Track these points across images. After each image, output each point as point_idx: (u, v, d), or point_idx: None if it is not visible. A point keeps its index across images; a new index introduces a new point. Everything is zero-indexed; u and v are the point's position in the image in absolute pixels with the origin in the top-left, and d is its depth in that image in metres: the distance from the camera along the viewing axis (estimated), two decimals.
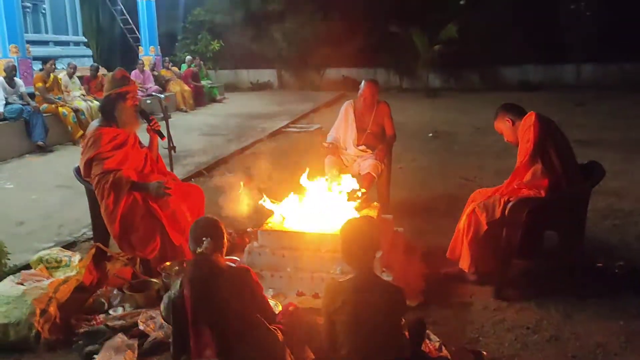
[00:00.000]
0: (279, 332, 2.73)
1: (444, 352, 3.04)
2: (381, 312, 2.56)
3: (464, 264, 3.92)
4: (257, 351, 2.59)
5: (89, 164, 3.97)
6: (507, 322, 3.44)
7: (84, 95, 10.88)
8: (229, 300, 2.62)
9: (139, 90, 12.53)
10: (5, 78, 9.36)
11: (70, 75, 10.96)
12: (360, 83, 5.43)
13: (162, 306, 2.93)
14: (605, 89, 16.03)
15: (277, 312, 3.15)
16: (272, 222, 4.10)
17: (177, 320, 2.66)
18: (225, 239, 2.81)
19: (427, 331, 3.11)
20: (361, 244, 2.66)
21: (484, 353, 3.03)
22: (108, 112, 4.07)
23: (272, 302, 3.19)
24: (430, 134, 10.24)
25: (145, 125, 4.36)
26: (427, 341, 3.08)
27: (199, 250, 2.70)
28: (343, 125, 5.44)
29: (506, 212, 3.73)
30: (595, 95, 14.76)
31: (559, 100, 13.80)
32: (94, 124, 4.14)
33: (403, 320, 2.92)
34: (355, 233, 2.69)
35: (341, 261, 3.53)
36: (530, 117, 3.86)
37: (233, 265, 2.95)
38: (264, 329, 2.68)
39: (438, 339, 3.14)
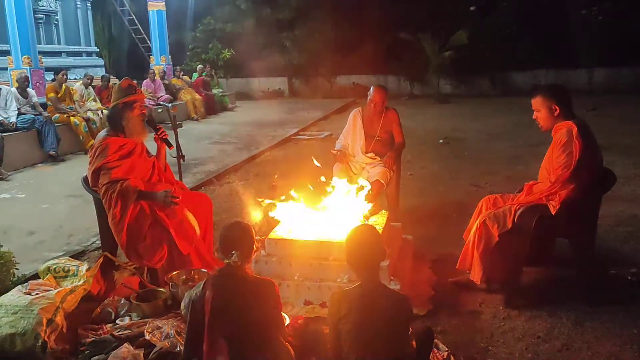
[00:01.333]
0: (290, 348, 2.72)
1: None
2: (387, 320, 2.53)
3: (476, 276, 3.85)
4: None
5: (96, 173, 3.97)
6: (517, 331, 3.39)
7: (97, 107, 10.96)
8: (249, 310, 2.61)
9: (149, 99, 12.72)
10: (17, 89, 9.46)
11: (87, 86, 11.06)
12: (370, 90, 5.42)
13: (182, 304, 3.02)
14: (617, 93, 15.90)
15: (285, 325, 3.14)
16: (279, 231, 4.08)
17: (193, 321, 2.66)
18: (255, 246, 2.78)
19: (436, 340, 3.07)
20: (366, 253, 2.64)
21: None
22: (115, 122, 4.08)
23: None
24: (441, 140, 10.20)
25: (153, 135, 4.36)
26: (435, 350, 3.04)
27: (226, 261, 2.67)
28: (351, 132, 5.43)
29: (516, 218, 3.68)
30: (607, 100, 14.63)
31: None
32: (102, 133, 4.15)
33: (410, 329, 2.90)
34: (360, 241, 2.68)
35: (348, 270, 3.51)
36: (571, 129, 3.63)
37: (259, 276, 2.92)
38: (278, 343, 2.66)
39: (447, 349, 3.10)
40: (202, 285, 2.67)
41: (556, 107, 3.73)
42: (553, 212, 3.61)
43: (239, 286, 2.65)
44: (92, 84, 11.41)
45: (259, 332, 2.60)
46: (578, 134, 3.59)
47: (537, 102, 3.84)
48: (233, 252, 2.64)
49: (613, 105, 13.90)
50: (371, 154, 5.36)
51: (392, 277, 3.68)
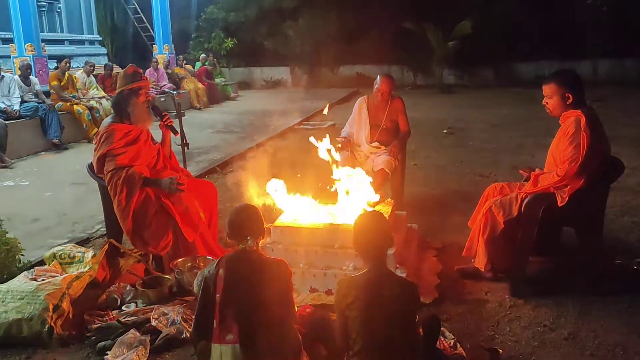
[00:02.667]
0: (298, 332, 2.72)
1: (459, 349, 3.00)
2: (394, 307, 2.52)
3: (480, 263, 3.86)
4: (278, 345, 2.58)
5: (101, 160, 3.96)
6: (523, 320, 3.38)
7: (101, 95, 10.93)
8: (260, 289, 2.61)
9: (152, 88, 12.68)
10: (20, 76, 9.45)
11: (89, 73, 11.03)
12: (374, 80, 5.39)
13: (195, 282, 3.01)
14: (622, 84, 15.81)
15: None
16: (285, 219, 4.07)
17: (204, 300, 2.65)
18: (264, 225, 2.79)
19: (442, 328, 3.07)
20: (374, 239, 2.62)
21: (500, 351, 2.98)
22: (121, 109, 4.07)
23: None
24: (445, 131, 10.16)
25: (158, 122, 4.35)
26: (442, 338, 3.04)
27: (241, 246, 2.67)
28: (357, 121, 5.40)
29: (522, 207, 3.67)
30: (612, 91, 14.54)
31: None
32: (107, 120, 4.14)
33: (417, 317, 2.90)
34: (368, 228, 2.66)
35: (354, 257, 3.50)
36: (580, 118, 3.58)
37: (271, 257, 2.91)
38: (288, 324, 2.67)
39: (453, 336, 3.10)
40: (215, 264, 2.67)
41: (569, 95, 3.67)
42: (560, 204, 3.58)
43: (252, 266, 2.65)
44: (95, 73, 11.39)
45: (270, 313, 2.60)
46: (586, 125, 3.54)
47: (550, 89, 3.76)
48: (248, 237, 2.65)
49: (618, 96, 13.82)
50: (376, 144, 5.33)
51: (397, 266, 3.67)
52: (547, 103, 3.80)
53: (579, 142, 3.54)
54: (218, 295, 2.58)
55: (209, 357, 2.59)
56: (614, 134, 8.77)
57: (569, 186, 3.59)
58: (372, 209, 3.87)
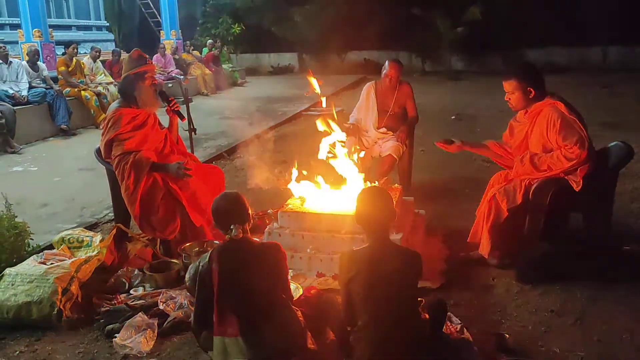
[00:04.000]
0: (300, 314, 2.72)
1: (466, 334, 2.99)
2: (396, 278, 2.52)
3: (484, 250, 3.85)
4: (281, 332, 2.56)
5: (109, 144, 3.97)
6: (530, 305, 3.38)
7: (108, 81, 10.93)
8: (257, 277, 2.60)
9: (160, 73, 12.67)
10: (28, 62, 9.47)
11: (95, 59, 11.03)
12: (382, 66, 5.36)
13: (187, 275, 2.95)
14: (632, 71, 15.63)
15: (298, 296, 3.14)
16: (292, 204, 4.07)
17: (201, 293, 2.63)
18: (249, 211, 2.72)
19: (449, 313, 3.07)
20: (376, 213, 2.62)
21: (507, 336, 2.98)
22: (127, 93, 4.06)
23: (292, 286, 3.17)
24: (453, 117, 10.12)
25: (165, 108, 4.34)
26: (449, 323, 3.05)
27: (228, 236, 2.65)
28: (364, 107, 5.39)
29: (530, 193, 3.65)
30: (622, 78, 14.42)
31: (584, 83, 13.50)
32: (114, 105, 4.14)
33: (423, 301, 2.91)
34: (370, 202, 2.66)
35: (361, 242, 3.50)
36: (556, 106, 3.62)
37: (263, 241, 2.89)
38: (288, 310, 2.67)
39: (459, 321, 3.09)
40: (207, 257, 2.63)
41: (531, 89, 3.71)
42: (577, 189, 3.56)
43: (244, 255, 2.63)
44: (102, 59, 11.38)
45: (269, 300, 2.60)
46: (567, 109, 3.61)
47: (511, 85, 3.79)
48: (231, 227, 2.61)
49: (627, 83, 13.69)
50: (383, 129, 5.31)
51: None
52: (509, 99, 3.83)
53: (572, 125, 3.56)
54: (215, 288, 2.56)
55: (211, 349, 2.60)
56: (623, 120, 8.76)
57: (578, 169, 3.57)
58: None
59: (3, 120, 7.86)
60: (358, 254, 2.63)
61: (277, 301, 2.65)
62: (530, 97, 3.73)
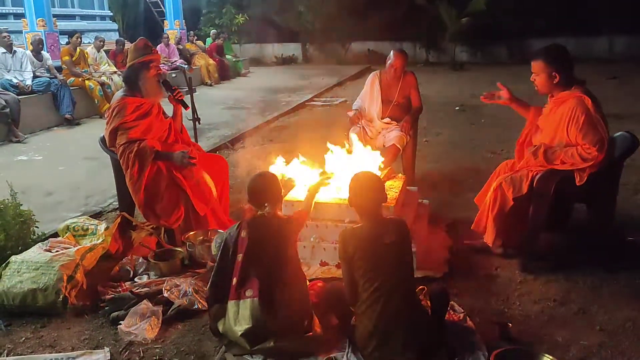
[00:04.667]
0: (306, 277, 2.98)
1: (469, 323, 3.01)
2: (394, 247, 2.68)
3: (488, 238, 3.85)
4: (293, 302, 2.76)
5: (114, 133, 3.98)
6: (533, 295, 3.39)
7: (112, 70, 10.93)
8: (281, 249, 2.81)
9: (163, 63, 12.65)
10: (32, 51, 9.46)
11: (99, 48, 11.02)
12: (385, 56, 5.34)
13: (213, 244, 3.32)
14: (638, 61, 15.54)
15: None
16: (296, 193, 4.07)
17: (222, 261, 2.84)
18: (282, 192, 3.01)
19: (452, 302, 3.08)
20: (368, 196, 2.78)
21: (510, 324, 2.98)
22: (132, 82, 4.06)
23: None
24: (457, 107, 10.08)
25: (169, 97, 4.34)
26: (451, 312, 3.06)
27: (260, 212, 2.85)
28: (369, 96, 5.37)
29: (534, 183, 3.64)
30: (628, 69, 14.32)
31: (591, 74, 13.28)
32: (119, 94, 4.14)
33: (425, 288, 2.97)
34: (362, 185, 2.81)
35: None
36: (583, 100, 3.53)
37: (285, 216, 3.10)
38: (303, 282, 2.89)
39: (462, 310, 3.11)
40: (236, 227, 2.84)
41: (556, 74, 3.61)
42: (579, 183, 3.55)
43: (272, 229, 2.82)
44: (106, 48, 11.37)
45: (288, 271, 2.79)
46: (594, 105, 3.51)
47: (537, 66, 3.69)
48: (265, 205, 2.82)
49: (634, 73, 13.61)
50: (387, 119, 5.31)
51: None
52: (534, 80, 3.74)
53: (595, 124, 3.48)
54: (240, 255, 2.76)
55: (223, 317, 2.76)
56: (629, 111, 8.71)
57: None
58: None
59: (7, 110, 7.87)
60: (357, 230, 2.77)
61: (298, 274, 2.85)
62: (554, 82, 3.63)
